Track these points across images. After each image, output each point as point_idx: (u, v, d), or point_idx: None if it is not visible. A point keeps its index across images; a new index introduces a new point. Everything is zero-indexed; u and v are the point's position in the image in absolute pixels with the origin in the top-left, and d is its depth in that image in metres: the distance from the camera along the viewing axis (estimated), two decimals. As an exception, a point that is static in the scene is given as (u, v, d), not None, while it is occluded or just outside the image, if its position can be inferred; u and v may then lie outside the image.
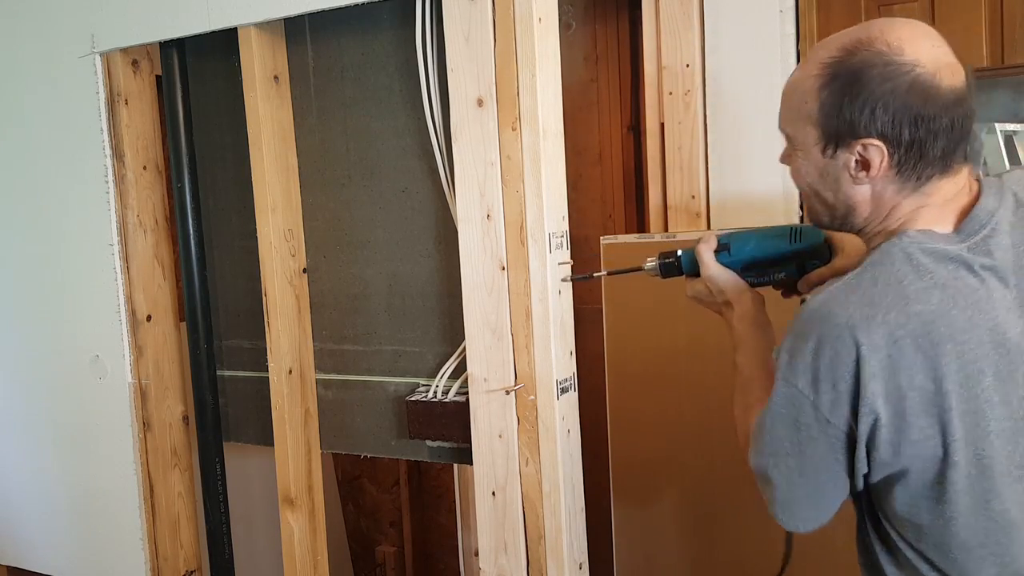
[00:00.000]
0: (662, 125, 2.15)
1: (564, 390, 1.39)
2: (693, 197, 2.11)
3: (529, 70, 1.31)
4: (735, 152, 2.07)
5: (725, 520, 1.87)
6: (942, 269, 0.94)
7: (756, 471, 1.05)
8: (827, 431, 0.96)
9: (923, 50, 0.94)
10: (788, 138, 1.06)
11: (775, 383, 1.00)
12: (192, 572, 1.83)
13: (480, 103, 1.35)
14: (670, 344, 1.89)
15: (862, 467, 0.96)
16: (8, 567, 2.07)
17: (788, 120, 1.04)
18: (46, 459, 1.94)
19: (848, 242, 1.21)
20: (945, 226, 0.98)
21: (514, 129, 1.33)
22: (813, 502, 1.02)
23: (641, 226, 2.46)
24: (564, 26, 2.46)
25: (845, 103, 0.95)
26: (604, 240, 1.93)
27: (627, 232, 2.48)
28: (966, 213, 0.99)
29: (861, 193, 1.00)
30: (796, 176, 1.06)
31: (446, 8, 1.36)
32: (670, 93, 2.11)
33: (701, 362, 1.85)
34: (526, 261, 1.35)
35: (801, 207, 2.03)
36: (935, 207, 0.99)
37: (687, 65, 2.08)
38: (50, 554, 1.98)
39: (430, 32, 1.44)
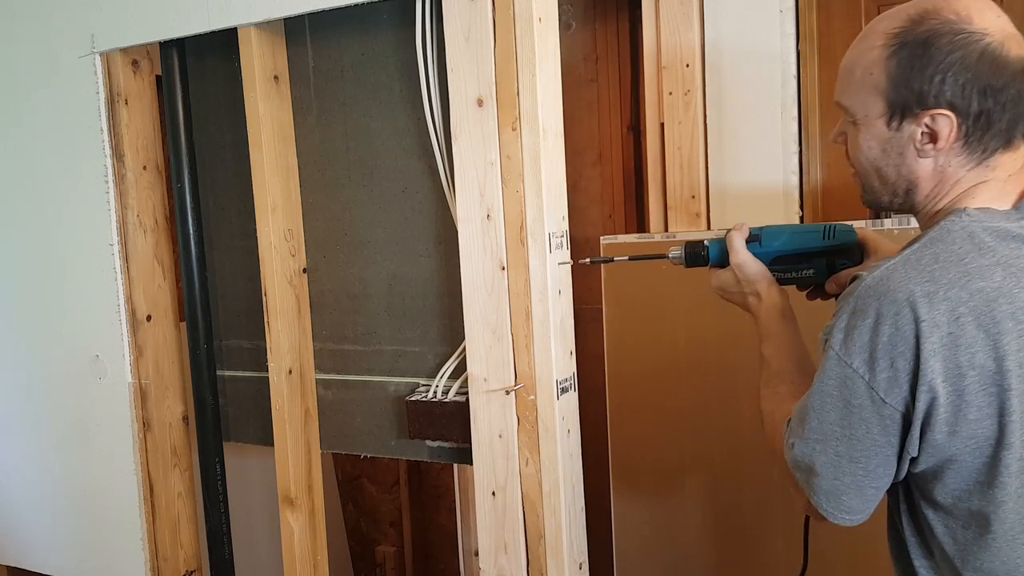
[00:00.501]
0: (662, 125, 2.15)
1: (564, 390, 1.39)
2: (693, 197, 2.11)
3: (529, 70, 1.31)
4: (735, 152, 2.07)
5: (726, 518, 1.88)
6: (1004, 247, 0.92)
7: (797, 461, 1.02)
8: (881, 412, 0.93)
9: (990, 19, 0.94)
10: (847, 112, 1.04)
11: (824, 364, 0.97)
12: (192, 572, 1.83)
13: (480, 103, 1.35)
14: (670, 344, 1.89)
15: (912, 450, 0.94)
16: (8, 567, 2.07)
17: (849, 93, 1.02)
18: (46, 459, 1.94)
19: (882, 245, 1.20)
20: (1005, 203, 0.98)
21: (514, 129, 1.33)
22: (860, 491, 0.98)
23: (641, 226, 2.46)
24: (564, 26, 2.46)
25: (914, 72, 0.94)
26: (604, 240, 1.93)
27: (627, 232, 2.48)
28: None
29: (924, 167, 0.99)
30: (855, 152, 1.04)
31: (446, 8, 1.36)
32: (670, 93, 2.11)
33: (701, 361, 1.86)
34: (526, 261, 1.35)
35: (801, 206, 2.03)
36: (997, 182, 0.98)
37: (687, 65, 2.08)
38: (50, 554, 1.98)
39: (430, 32, 1.44)
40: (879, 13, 1.04)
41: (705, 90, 2.08)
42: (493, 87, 1.34)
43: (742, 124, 2.05)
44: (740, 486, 1.83)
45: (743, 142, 2.05)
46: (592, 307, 1.98)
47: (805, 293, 1.26)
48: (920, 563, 1.01)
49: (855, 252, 1.21)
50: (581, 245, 1.95)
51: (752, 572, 1.85)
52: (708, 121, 2.09)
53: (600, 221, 2.55)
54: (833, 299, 1.21)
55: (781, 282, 1.21)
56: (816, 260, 1.21)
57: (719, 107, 2.07)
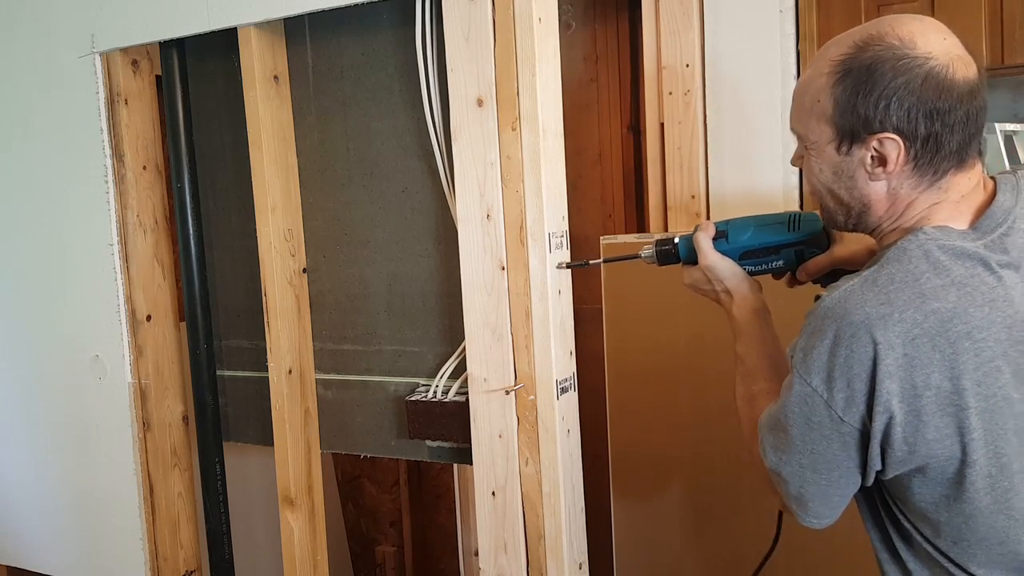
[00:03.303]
0: (662, 125, 2.15)
1: (564, 390, 1.39)
2: (693, 197, 2.11)
3: (529, 70, 1.31)
4: (735, 152, 2.07)
5: (726, 518, 1.87)
6: (959, 267, 0.93)
7: (770, 467, 1.05)
8: (840, 429, 0.95)
9: (934, 43, 0.94)
10: (800, 138, 1.05)
11: (789, 380, 0.99)
12: (192, 572, 1.83)
13: (480, 103, 1.35)
14: (670, 343, 1.89)
15: (875, 464, 0.95)
16: (8, 567, 2.07)
17: (800, 120, 1.04)
18: (46, 459, 1.93)
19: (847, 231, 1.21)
20: (961, 223, 0.98)
21: (514, 129, 1.33)
22: (825, 499, 1.02)
23: (641, 226, 2.46)
24: (564, 26, 2.46)
25: (859, 99, 0.95)
26: (604, 240, 1.93)
27: (627, 232, 2.48)
28: (982, 210, 0.98)
29: (877, 190, 0.99)
30: (809, 176, 1.05)
31: (446, 8, 1.36)
32: (670, 93, 2.11)
33: (701, 361, 1.86)
34: (526, 261, 1.35)
35: (801, 206, 2.03)
36: (951, 203, 0.98)
37: (687, 65, 2.08)
38: (50, 554, 1.98)
39: (430, 32, 1.44)
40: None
41: (705, 90, 2.09)
42: (493, 87, 1.34)
43: (742, 124, 2.05)
44: (740, 486, 1.83)
45: (743, 142, 2.05)
46: (592, 307, 1.98)
47: (783, 280, 1.26)
48: (913, 565, 1.02)
49: (822, 240, 1.20)
50: (581, 245, 1.95)
51: (751, 571, 1.85)
52: (708, 121, 2.09)
53: (600, 221, 2.55)
54: (810, 284, 1.22)
55: (752, 274, 1.21)
56: (784, 251, 1.21)
57: (719, 107, 2.07)
